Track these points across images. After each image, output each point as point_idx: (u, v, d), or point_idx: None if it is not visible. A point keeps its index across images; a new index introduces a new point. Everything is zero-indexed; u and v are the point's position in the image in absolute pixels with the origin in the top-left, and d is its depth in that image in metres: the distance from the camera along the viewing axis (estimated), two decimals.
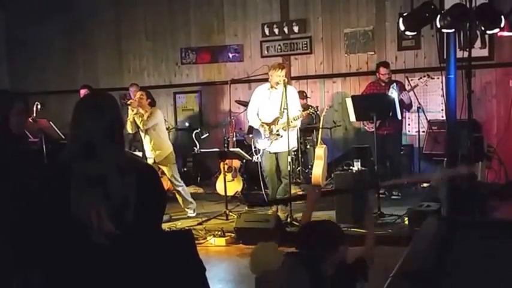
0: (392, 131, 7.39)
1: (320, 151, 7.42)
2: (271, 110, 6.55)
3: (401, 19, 5.24)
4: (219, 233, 6.05)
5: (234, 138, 8.13)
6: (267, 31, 9.27)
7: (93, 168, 2.12)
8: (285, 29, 9.15)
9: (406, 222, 5.91)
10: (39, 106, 8.06)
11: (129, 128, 6.74)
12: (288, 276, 2.47)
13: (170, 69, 10.08)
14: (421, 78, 7.57)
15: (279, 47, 9.22)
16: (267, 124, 6.55)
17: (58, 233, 2.11)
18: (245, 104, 8.00)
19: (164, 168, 6.78)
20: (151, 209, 2.22)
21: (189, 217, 6.90)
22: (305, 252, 2.54)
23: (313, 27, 9.06)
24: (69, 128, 2.22)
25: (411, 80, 7.70)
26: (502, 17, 5.04)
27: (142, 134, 6.80)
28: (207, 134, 8.99)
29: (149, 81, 10.11)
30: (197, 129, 9.06)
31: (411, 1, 5.75)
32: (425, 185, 7.64)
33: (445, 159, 6.19)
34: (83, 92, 8.53)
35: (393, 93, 7.17)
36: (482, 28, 5.03)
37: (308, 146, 8.51)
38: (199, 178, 9.19)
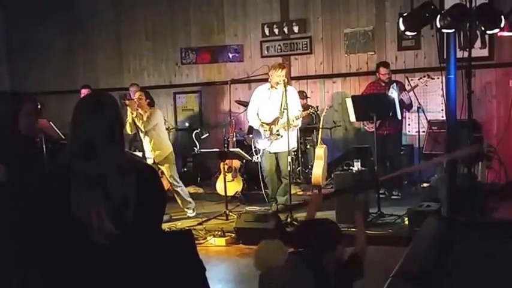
0: (392, 131, 7.39)
1: (320, 151, 7.42)
2: (271, 110, 6.56)
3: (401, 19, 5.24)
4: (219, 233, 6.05)
5: (234, 139, 8.13)
6: (267, 31, 9.27)
7: (93, 168, 2.12)
8: (285, 29, 9.15)
9: (406, 222, 5.90)
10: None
11: (129, 129, 6.74)
12: (292, 274, 2.47)
13: (170, 69, 10.08)
14: (421, 78, 7.57)
15: (279, 47, 9.22)
16: (267, 124, 6.56)
17: (58, 233, 2.11)
18: (245, 104, 8.00)
19: (164, 169, 6.77)
20: (151, 209, 2.22)
21: (189, 217, 6.90)
22: (308, 251, 2.54)
23: (313, 27, 9.06)
24: (69, 128, 2.22)
25: (411, 80, 7.70)
26: (502, 17, 5.04)
27: (142, 135, 6.79)
28: (207, 134, 8.99)
29: (149, 81, 10.11)
30: (197, 129, 9.06)
31: (411, 1, 5.75)
32: (425, 185, 7.65)
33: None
34: (83, 91, 8.54)
35: (393, 93, 7.16)
36: (482, 28, 5.04)
37: (308, 146, 8.51)
38: (199, 178, 9.19)
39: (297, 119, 6.41)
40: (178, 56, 9.96)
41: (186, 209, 6.97)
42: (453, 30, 5.03)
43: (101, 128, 2.17)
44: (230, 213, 6.69)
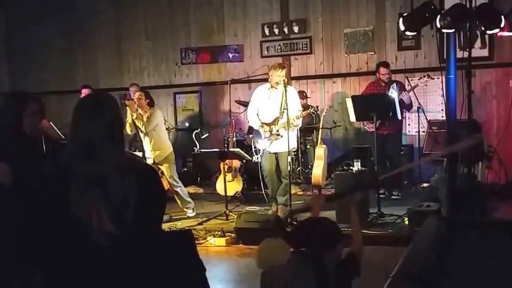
0: (392, 131, 7.39)
1: (320, 151, 7.41)
2: (271, 110, 6.55)
3: (401, 19, 5.24)
4: (219, 233, 6.04)
5: (234, 139, 8.13)
6: (267, 31, 9.27)
7: (93, 168, 2.12)
8: (285, 29, 9.15)
9: (406, 222, 5.90)
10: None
11: (129, 130, 6.73)
12: (294, 273, 2.47)
13: (170, 69, 10.08)
14: (421, 78, 7.57)
15: (279, 47, 9.22)
16: (267, 124, 6.55)
17: (58, 233, 2.11)
18: (245, 104, 8.00)
19: (164, 169, 6.77)
20: (151, 209, 2.22)
21: (189, 217, 6.90)
22: (309, 250, 2.54)
23: (313, 27, 9.07)
24: (69, 128, 2.22)
25: (411, 80, 7.70)
26: (502, 17, 5.03)
27: (142, 135, 6.79)
28: (207, 134, 8.99)
29: (149, 81, 10.11)
30: (197, 129, 9.06)
31: (411, 1, 5.75)
32: (425, 185, 7.64)
33: (445, 159, 6.20)
34: (84, 91, 8.53)
35: (393, 93, 7.16)
36: (482, 28, 5.04)
37: (308, 146, 8.51)
38: (199, 178, 9.19)
39: (297, 119, 6.41)
40: (178, 56, 9.96)
41: (185, 209, 6.98)
42: (453, 30, 5.02)
43: (101, 128, 2.17)
44: (230, 213, 6.69)
